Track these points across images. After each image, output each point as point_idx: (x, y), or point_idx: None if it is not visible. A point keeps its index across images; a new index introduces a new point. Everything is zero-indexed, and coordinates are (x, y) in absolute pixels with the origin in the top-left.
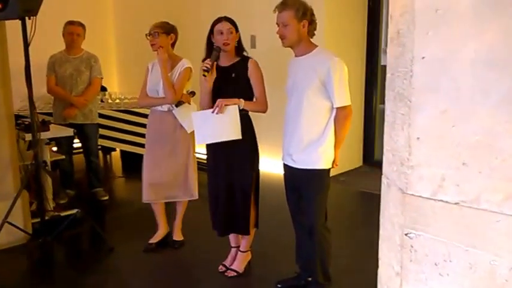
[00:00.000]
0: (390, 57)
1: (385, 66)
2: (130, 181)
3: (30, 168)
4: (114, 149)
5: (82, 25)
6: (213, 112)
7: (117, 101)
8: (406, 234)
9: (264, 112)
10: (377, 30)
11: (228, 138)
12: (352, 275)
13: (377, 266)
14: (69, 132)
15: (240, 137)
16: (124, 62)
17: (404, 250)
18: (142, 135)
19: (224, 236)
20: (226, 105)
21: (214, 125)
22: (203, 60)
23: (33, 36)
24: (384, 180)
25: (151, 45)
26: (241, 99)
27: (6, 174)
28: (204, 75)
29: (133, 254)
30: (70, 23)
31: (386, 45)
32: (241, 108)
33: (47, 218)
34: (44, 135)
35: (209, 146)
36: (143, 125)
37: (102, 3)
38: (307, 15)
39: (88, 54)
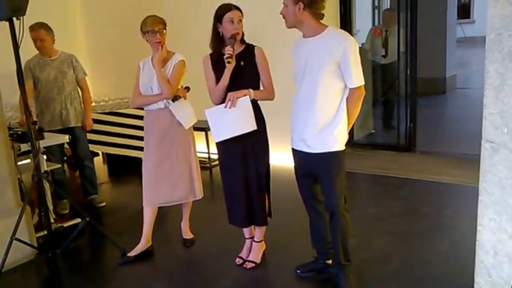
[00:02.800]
0: (493, 18)
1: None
2: (118, 186)
3: (33, 180)
4: (97, 154)
5: (43, 27)
6: (225, 107)
7: (102, 103)
8: None
9: (272, 100)
10: (349, 12)
11: (244, 131)
12: (360, 252)
13: (383, 244)
14: (64, 138)
15: (255, 127)
16: (97, 64)
17: None
18: (131, 137)
19: (248, 226)
20: (237, 98)
21: (229, 120)
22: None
23: (22, 38)
24: (486, 145)
25: (158, 43)
26: (250, 90)
27: (6, 189)
28: (228, 62)
29: (144, 256)
30: (30, 29)
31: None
32: (251, 98)
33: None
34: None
35: (220, 142)
36: (131, 126)
37: (69, 3)
38: None
39: (64, 53)
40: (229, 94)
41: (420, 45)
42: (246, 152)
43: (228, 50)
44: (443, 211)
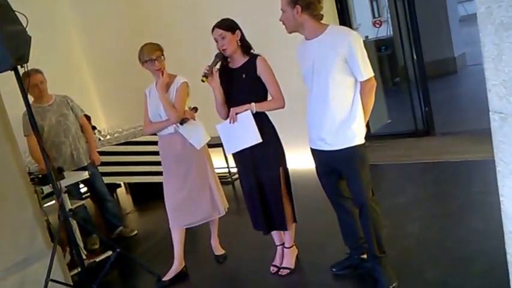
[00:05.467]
0: None
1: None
2: (144, 213)
3: (60, 220)
4: (119, 185)
5: (38, 70)
6: (229, 123)
7: (116, 134)
8: None
9: (282, 108)
10: (346, 7)
11: (249, 144)
12: (395, 242)
13: (417, 231)
14: (84, 174)
15: (260, 140)
16: (106, 99)
17: None
18: (150, 163)
19: (268, 233)
20: (237, 113)
21: (234, 134)
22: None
23: (29, 83)
24: (494, 117)
25: (158, 70)
26: (252, 104)
27: (35, 233)
28: (202, 81)
29: (179, 279)
30: (27, 74)
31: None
32: (253, 112)
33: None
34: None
35: (234, 152)
36: (148, 153)
37: (68, 43)
38: (299, 0)
39: (58, 96)
40: (231, 110)
41: (423, 28)
42: (256, 160)
43: (204, 68)
44: (472, 189)
